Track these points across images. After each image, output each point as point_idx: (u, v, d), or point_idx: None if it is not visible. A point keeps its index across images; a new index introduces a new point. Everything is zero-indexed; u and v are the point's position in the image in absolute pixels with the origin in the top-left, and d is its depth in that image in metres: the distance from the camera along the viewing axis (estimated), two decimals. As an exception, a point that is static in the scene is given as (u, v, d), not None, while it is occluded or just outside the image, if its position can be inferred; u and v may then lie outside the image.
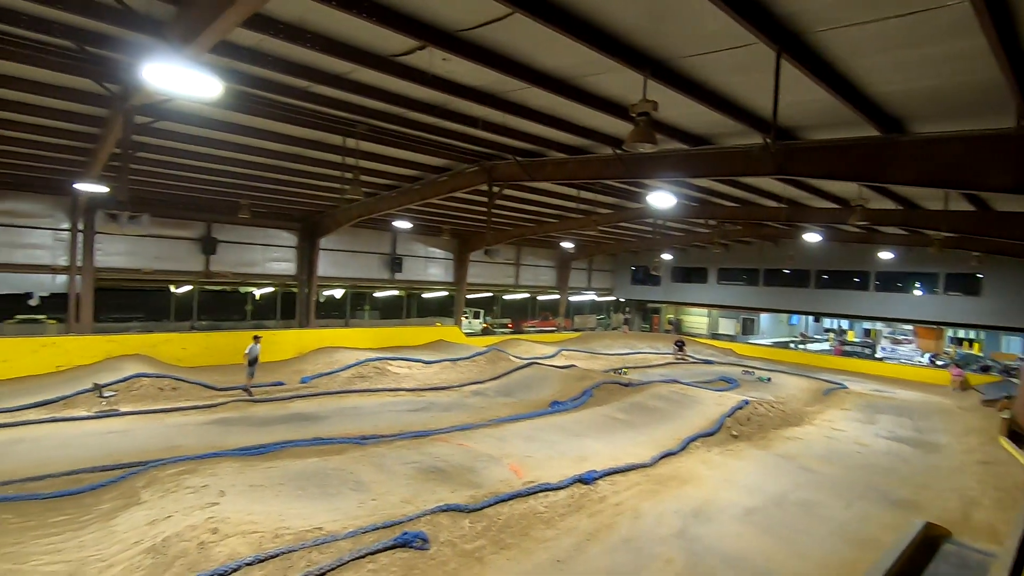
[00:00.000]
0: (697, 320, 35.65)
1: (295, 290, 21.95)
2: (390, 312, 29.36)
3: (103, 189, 12.46)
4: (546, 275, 31.06)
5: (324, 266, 21.69)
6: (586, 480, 8.04)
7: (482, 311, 30.65)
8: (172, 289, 21.16)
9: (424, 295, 27.94)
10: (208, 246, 19.01)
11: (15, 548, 5.72)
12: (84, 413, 10.91)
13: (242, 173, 14.19)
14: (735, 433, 11.21)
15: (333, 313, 25.24)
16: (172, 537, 5.69)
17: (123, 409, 11.29)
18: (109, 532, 6.07)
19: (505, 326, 30.49)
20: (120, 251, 17.45)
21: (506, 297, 31.45)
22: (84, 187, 12.55)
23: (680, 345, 25.83)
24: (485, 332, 28.09)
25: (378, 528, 6.18)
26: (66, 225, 16.36)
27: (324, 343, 18.82)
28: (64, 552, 5.79)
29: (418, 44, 6.84)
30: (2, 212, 15.46)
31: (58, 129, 10.84)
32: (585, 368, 18.35)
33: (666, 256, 27.10)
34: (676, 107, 8.15)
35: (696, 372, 21.09)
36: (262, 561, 5.30)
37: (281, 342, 18.23)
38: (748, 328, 33.83)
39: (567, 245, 26.38)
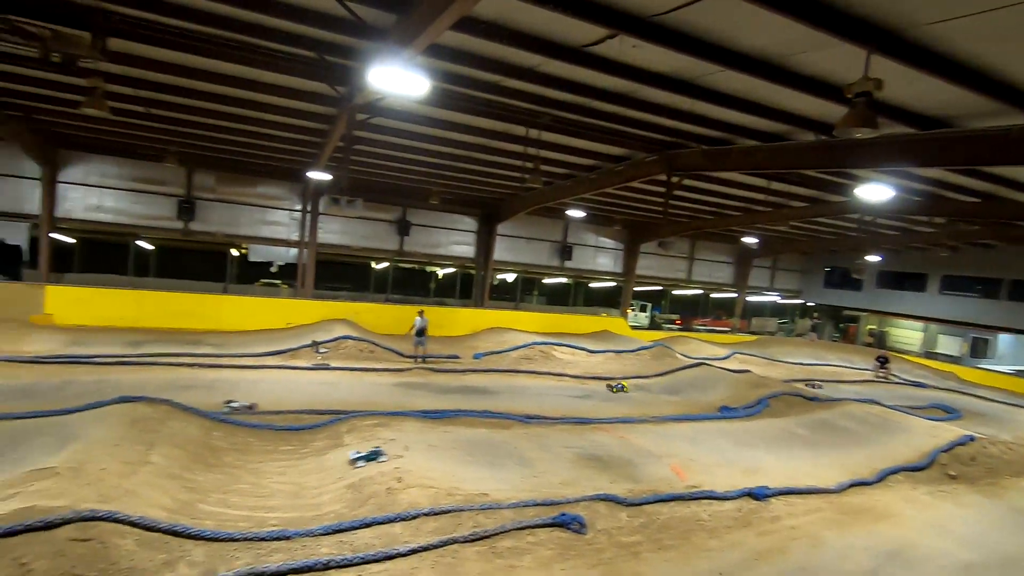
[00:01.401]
0: (908, 335, 30.44)
1: (473, 272, 23.60)
2: (557, 299, 30.06)
3: (327, 177, 14.69)
4: (722, 272, 29.02)
5: (500, 251, 22.92)
6: (757, 495, 7.44)
7: (649, 305, 29.81)
8: (372, 265, 24.22)
9: (591, 284, 28.06)
10: (403, 228, 21.31)
11: (258, 465, 7.13)
12: (305, 364, 13.09)
13: (435, 163, 15.60)
14: (953, 473, 9.41)
15: (505, 296, 26.65)
16: (367, 479, 6.59)
17: (333, 364, 13.30)
18: (321, 465, 7.25)
19: (673, 322, 29.26)
20: (335, 230, 20.41)
21: (676, 292, 30.12)
22: (313, 175, 14.94)
23: (883, 361, 22.28)
24: (652, 326, 27.30)
25: (538, 504, 6.44)
26: (299, 207, 19.61)
27: (496, 323, 19.98)
28: (289, 475, 7.06)
29: (608, 33, 6.81)
30: (257, 195, 19.08)
31: (298, 126, 12.99)
32: (761, 375, 16.85)
33: (872, 258, 23.43)
34: (904, 84, 6.99)
35: (902, 395, 18.06)
36: (436, 515, 5.88)
37: (458, 319, 19.78)
38: (979, 350, 27.93)
39: (749, 240, 24.28)
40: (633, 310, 27.33)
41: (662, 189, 14.38)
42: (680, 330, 26.99)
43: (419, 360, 14.51)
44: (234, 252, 21.70)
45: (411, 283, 26.20)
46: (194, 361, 11.95)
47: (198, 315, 16.00)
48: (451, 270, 24.94)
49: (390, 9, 6.67)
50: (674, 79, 8.35)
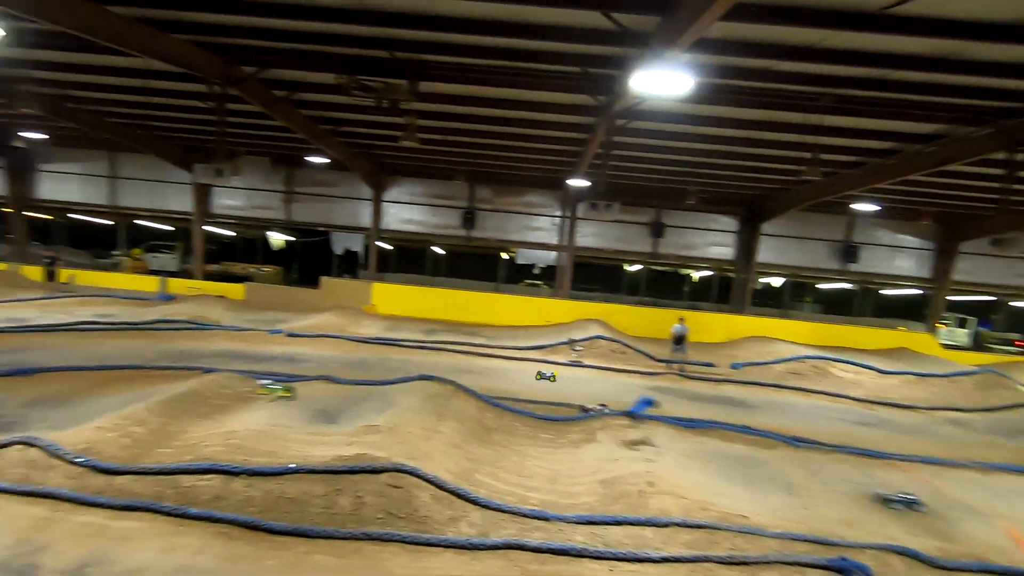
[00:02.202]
0: None
1: (731, 275, 21.95)
2: (836, 307, 25.92)
3: (586, 183, 15.43)
4: (1101, 279, 21.09)
5: (764, 252, 20.84)
6: None
7: (972, 319, 23.45)
8: (625, 267, 24.52)
9: (883, 291, 23.37)
10: (657, 230, 21.05)
11: (521, 448, 7.90)
12: (561, 360, 13.99)
13: (692, 161, 15.02)
14: None
15: (769, 302, 24.12)
16: (618, 478, 6.71)
17: (586, 362, 13.91)
18: (575, 457, 7.66)
19: (1010, 343, 22.43)
20: (590, 233, 21.28)
21: (1016, 304, 23.01)
22: (573, 182, 15.87)
23: None
24: (976, 347, 21.41)
25: (809, 540, 5.66)
26: (559, 213, 21.05)
27: (757, 332, 18.23)
28: (547, 461, 7.64)
29: (919, -13, 5.62)
30: (524, 204, 21.15)
31: (560, 138, 13.97)
32: None
33: None
34: None
35: None
36: (690, 527, 5.65)
37: (713, 325, 18.65)
38: None
39: None
40: (947, 325, 21.85)
41: (997, 171, 11.18)
42: (1020, 353, 20.54)
43: (675, 367, 14.13)
44: (504, 255, 24.47)
45: (664, 285, 25.71)
46: (471, 350, 13.87)
47: (475, 310, 18.49)
48: (707, 273, 23.64)
49: (653, 12, 6.68)
50: (1015, 26, 6.42)
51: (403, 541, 5.04)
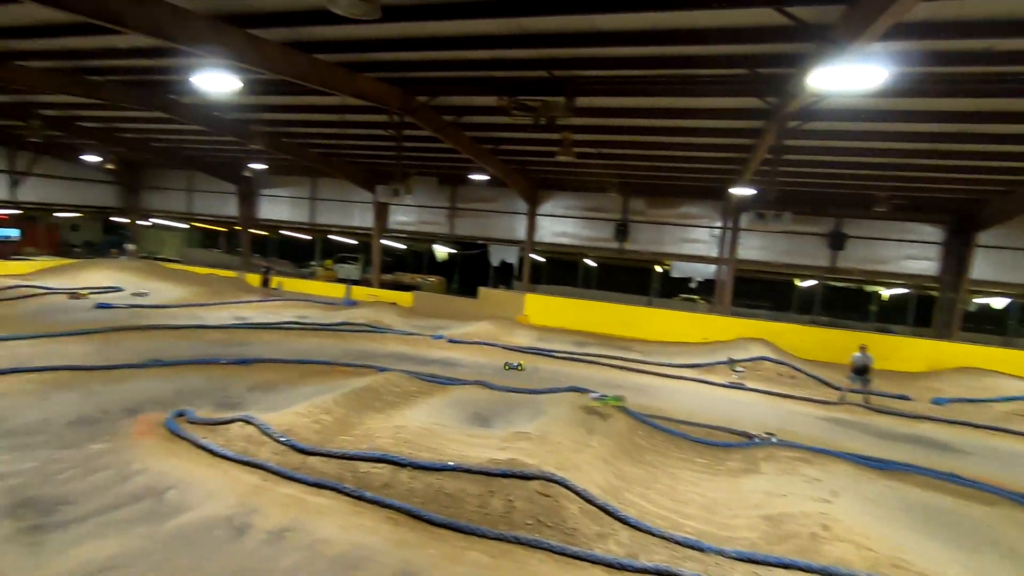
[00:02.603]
0: None
1: (935, 293, 18.68)
2: (1087, 337, 20.76)
3: (751, 192, 14.33)
4: None
5: (980, 267, 17.42)
6: None
7: None
8: (796, 282, 22.21)
9: None
10: (836, 241, 18.73)
11: (674, 471, 7.54)
12: (719, 380, 13.07)
13: (883, 163, 13.16)
14: None
15: (985, 327, 20.07)
16: (786, 515, 6.06)
17: (748, 385, 12.83)
18: (735, 487, 7.09)
19: None
20: (754, 246, 19.65)
21: None
22: (736, 191, 14.83)
23: None
24: None
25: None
26: (719, 224, 19.80)
27: (969, 362, 15.24)
28: (702, 488, 7.18)
29: None
30: (679, 215, 20.29)
31: (723, 144, 13.17)
32: None
33: None
34: None
35: None
36: (878, 585, 4.91)
37: (910, 352, 16.02)
38: None
39: None
40: None
41: None
42: None
43: (857, 397, 12.39)
44: (657, 268, 23.67)
45: (844, 304, 22.76)
46: (624, 364, 13.58)
47: (627, 324, 18.12)
48: (901, 291, 20.39)
49: (836, 1, 6.02)
50: None
51: (551, 550, 5.10)
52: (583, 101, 10.47)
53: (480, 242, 23.95)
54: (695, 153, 14.33)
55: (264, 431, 6.65)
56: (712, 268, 20.32)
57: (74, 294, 16.27)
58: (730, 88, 9.37)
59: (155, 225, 30.12)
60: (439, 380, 10.36)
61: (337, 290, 21.75)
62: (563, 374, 12.39)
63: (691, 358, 14.62)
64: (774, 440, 8.52)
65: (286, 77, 9.36)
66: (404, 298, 20.84)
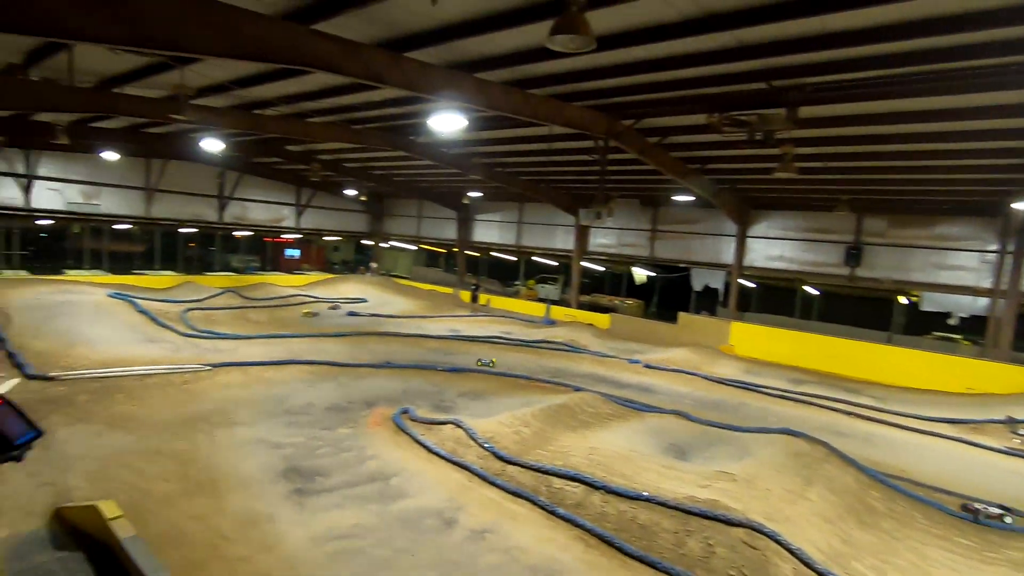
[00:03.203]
0: None
1: None
2: None
3: (1044, 206, 11.26)
4: None
5: None
6: None
7: None
8: (1121, 325, 16.63)
9: None
10: None
11: (920, 547, 6.19)
12: (991, 443, 10.38)
13: None
14: None
15: None
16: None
17: (1037, 454, 9.95)
18: None
19: None
20: (1050, 275, 15.29)
21: None
22: (1019, 207, 11.78)
23: None
24: None
25: None
26: (992, 247, 15.91)
27: None
28: (958, 572, 5.76)
29: None
30: (933, 236, 16.82)
31: (992, 150, 10.64)
32: None
33: None
34: None
35: None
36: None
37: None
38: None
39: None
40: None
41: None
42: None
43: None
44: (901, 300, 19.89)
45: None
46: (852, 410, 11.65)
47: (857, 363, 15.57)
48: None
49: None
50: None
51: (758, 611, 4.59)
52: (806, 111, 9.43)
53: (682, 265, 22.95)
54: (957, 161, 11.77)
55: (471, 435, 7.26)
56: (983, 302, 16.35)
57: (334, 305, 20.04)
58: (1006, 80, 7.54)
59: (392, 247, 35.29)
60: (635, 405, 10.14)
61: (538, 309, 22.81)
62: (773, 413, 11.13)
63: (949, 411, 11.93)
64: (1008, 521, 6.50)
65: (504, 113, 10.26)
66: (601, 320, 20.94)
